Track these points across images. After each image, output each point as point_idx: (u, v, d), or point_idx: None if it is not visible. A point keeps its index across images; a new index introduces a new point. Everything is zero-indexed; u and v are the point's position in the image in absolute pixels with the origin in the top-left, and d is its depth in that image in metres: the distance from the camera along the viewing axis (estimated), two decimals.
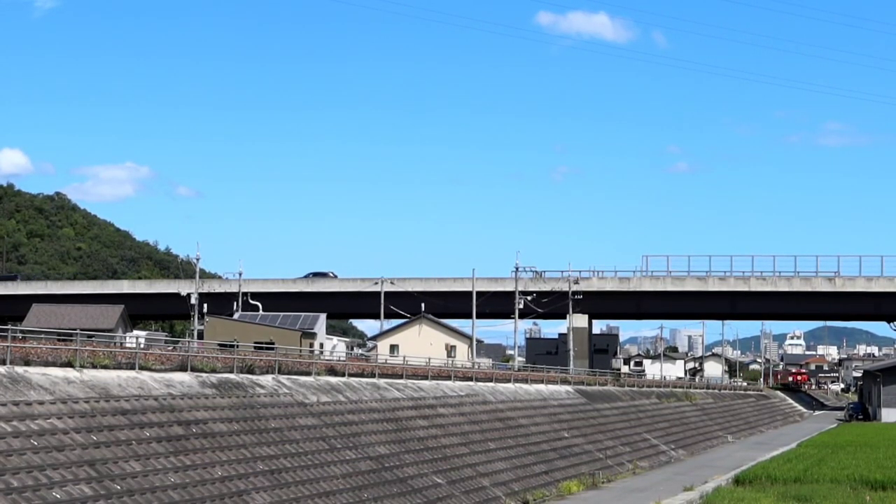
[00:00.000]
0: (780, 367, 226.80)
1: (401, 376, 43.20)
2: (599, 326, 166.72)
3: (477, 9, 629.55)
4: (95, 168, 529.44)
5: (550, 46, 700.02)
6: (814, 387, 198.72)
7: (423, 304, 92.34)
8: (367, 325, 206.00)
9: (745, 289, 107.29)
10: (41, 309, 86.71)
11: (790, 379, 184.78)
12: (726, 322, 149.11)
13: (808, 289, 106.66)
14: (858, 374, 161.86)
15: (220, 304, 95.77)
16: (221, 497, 24.22)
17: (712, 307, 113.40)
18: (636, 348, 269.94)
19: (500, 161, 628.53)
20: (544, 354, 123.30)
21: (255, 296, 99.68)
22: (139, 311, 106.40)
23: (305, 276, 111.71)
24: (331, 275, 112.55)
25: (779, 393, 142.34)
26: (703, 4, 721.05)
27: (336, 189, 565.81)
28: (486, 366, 74.95)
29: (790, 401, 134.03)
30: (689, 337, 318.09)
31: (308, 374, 36.08)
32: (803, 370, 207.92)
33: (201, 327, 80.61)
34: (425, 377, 45.33)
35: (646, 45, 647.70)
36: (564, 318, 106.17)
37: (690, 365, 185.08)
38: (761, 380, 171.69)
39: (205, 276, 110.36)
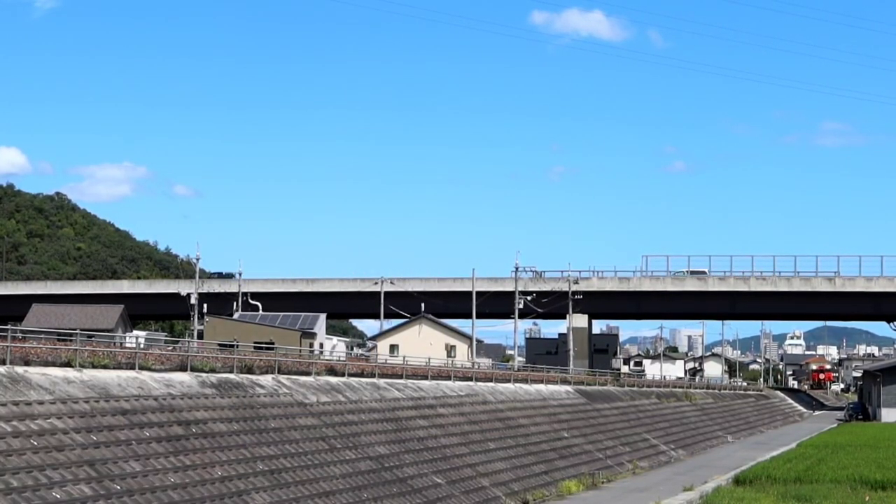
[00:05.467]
0: (781, 366, 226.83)
1: (401, 376, 43.19)
2: (599, 326, 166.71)
3: (472, 9, 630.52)
4: (92, 168, 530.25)
5: (546, 45, 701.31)
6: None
7: (423, 304, 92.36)
8: (367, 325, 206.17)
9: (745, 289, 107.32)
10: (41, 309, 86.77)
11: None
12: (726, 322, 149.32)
13: (808, 289, 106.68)
14: (858, 374, 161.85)
15: (220, 304, 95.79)
16: (221, 497, 24.22)
17: (712, 307, 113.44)
18: (636, 348, 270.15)
19: (496, 160, 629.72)
20: (544, 354, 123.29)
21: (255, 296, 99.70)
22: (139, 311, 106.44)
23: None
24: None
25: (778, 393, 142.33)
26: (699, 3, 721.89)
27: (336, 189, 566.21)
28: (485, 366, 74.94)
29: (790, 401, 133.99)
30: (689, 337, 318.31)
31: (308, 374, 36.07)
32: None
33: (201, 327, 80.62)
34: (425, 377, 45.32)
35: (642, 44, 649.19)
36: (564, 318, 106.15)
37: (690, 365, 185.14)
38: (761, 379, 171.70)
39: (205, 276, 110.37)
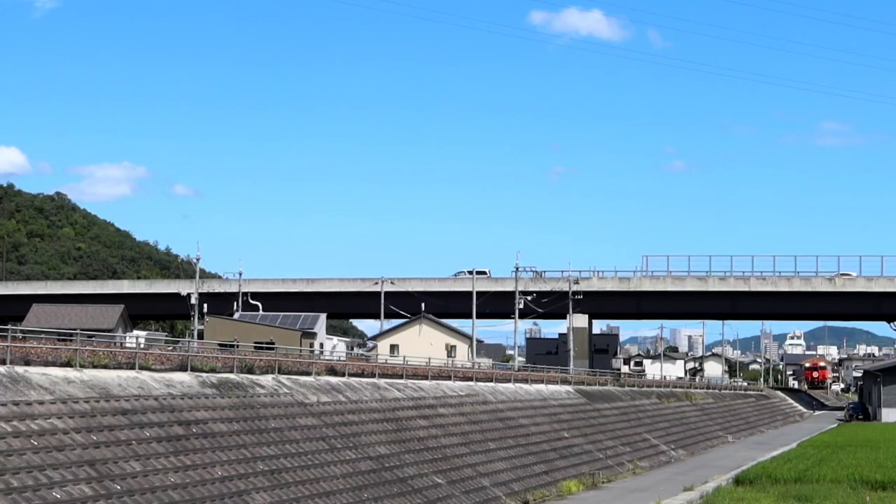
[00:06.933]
0: (781, 366, 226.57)
1: (401, 376, 43.19)
2: (599, 326, 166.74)
3: (471, 9, 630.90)
4: (91, 167, 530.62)
5: (546, 45, 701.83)
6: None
7: (423, 304, 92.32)
8: (367, 325, 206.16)
9: (745, 289, 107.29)
10: (41, 309, 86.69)
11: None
12: (726, 322, 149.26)
13: (808, 289, 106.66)
14: (858, 374, 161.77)
15: (220, 304, 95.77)
16: (221, 497, 24.21)
17: (712, 307, 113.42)
18: (636, 348, 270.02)
19: (496, 161, 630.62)
20: (544, 354, 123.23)
21: (255, 296, 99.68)
22: (139, 311, 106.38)
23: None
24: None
25: (779, 393, 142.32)
26: (699, 3, 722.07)
27: (336, 189, 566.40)
28: (486, 366, 74.92)
29: (790, 401, 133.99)
30: (689, 337, 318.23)
31: (308, 374, 36.06)
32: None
33: (201, 327, 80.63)
34: (425, 377, 45.31)
35: (641, 44, 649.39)
36: (564, 318, 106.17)
37: (690, 365, 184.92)
38: (761, 379, 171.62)
39: (205, 276, 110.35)
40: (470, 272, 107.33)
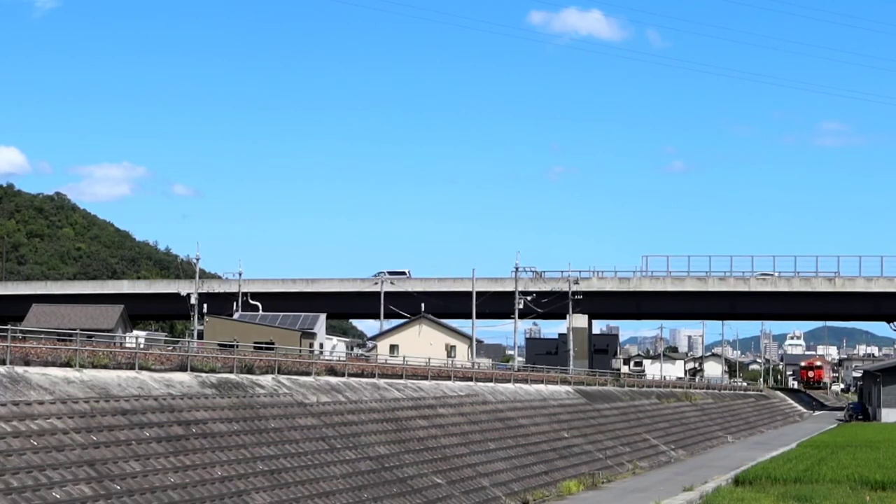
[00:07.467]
0: (781, 366, 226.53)
1: (401, 376, 43.19)
2: (599, 326, 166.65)
3: (471, 9, 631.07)
4: (91, 167, 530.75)
5: (545, 45, 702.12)
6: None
7: (423, 304, 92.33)
8: (367, 325, 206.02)
9: (745, 289, 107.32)
10: (41, 309, 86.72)
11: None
12: (726, 322, 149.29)
13: (808, 289, 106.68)
14: (858, 374, 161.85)
15: (220, 304, 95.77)
16: (221, 497, 24.22)
17: (712, 307, 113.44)
18: (636, 348, 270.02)
19: (495, 161, 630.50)
20: (544, 354, 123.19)
21: (255, 296, 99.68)
22: (139, 311, 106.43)
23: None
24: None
25: (778, 393, 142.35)
26: (698, 3, 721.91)
27: (336, 189, 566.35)
28: (485, 366, 74.91)
29: (790, 401, 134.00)
30: (689, 337, 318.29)
31: (308, 374, 36.07)
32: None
33: (201, 327, 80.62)
34: (425, 377, 45.32)
35: (641, 44, 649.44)
36: (564, 318, 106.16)
37: (690, 365, 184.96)
38: (761, 380, 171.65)
39: (204, 276, 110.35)
40: (390, 272, 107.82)
